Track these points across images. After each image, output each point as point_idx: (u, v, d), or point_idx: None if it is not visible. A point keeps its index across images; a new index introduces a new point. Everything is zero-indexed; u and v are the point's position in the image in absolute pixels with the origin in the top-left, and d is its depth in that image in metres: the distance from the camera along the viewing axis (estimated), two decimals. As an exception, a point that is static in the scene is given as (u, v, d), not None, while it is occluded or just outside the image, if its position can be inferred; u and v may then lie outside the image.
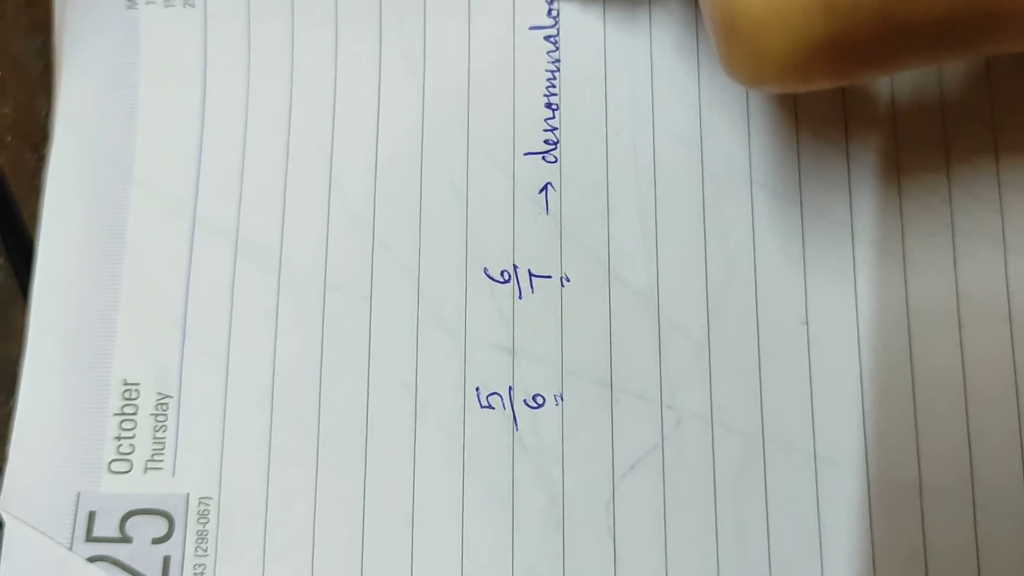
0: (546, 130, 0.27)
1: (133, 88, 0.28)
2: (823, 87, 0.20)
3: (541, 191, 0.27)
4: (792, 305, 0.26)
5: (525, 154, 0.27)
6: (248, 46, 0.28)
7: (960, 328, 0.26)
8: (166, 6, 0.28)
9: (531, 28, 0.28)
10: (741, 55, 0.19)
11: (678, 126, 0.27)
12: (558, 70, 0.27)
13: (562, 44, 0.28)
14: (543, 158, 0.27)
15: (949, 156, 0.26)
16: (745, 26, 0.19)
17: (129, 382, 0.27)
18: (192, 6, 0.28)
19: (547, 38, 0.28)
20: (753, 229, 0.26)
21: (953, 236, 0.26)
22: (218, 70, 0.28)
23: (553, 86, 0.27)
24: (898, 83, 0.27)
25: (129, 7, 0.28)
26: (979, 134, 0.26)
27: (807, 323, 0.26)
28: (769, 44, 0.19)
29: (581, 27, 0.28)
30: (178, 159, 0.28)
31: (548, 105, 0.27)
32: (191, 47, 0.28)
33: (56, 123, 0.28)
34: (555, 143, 0.27)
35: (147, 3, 0.28)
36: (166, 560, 0.26)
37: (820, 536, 0.25)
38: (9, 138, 0.29)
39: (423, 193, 0.27)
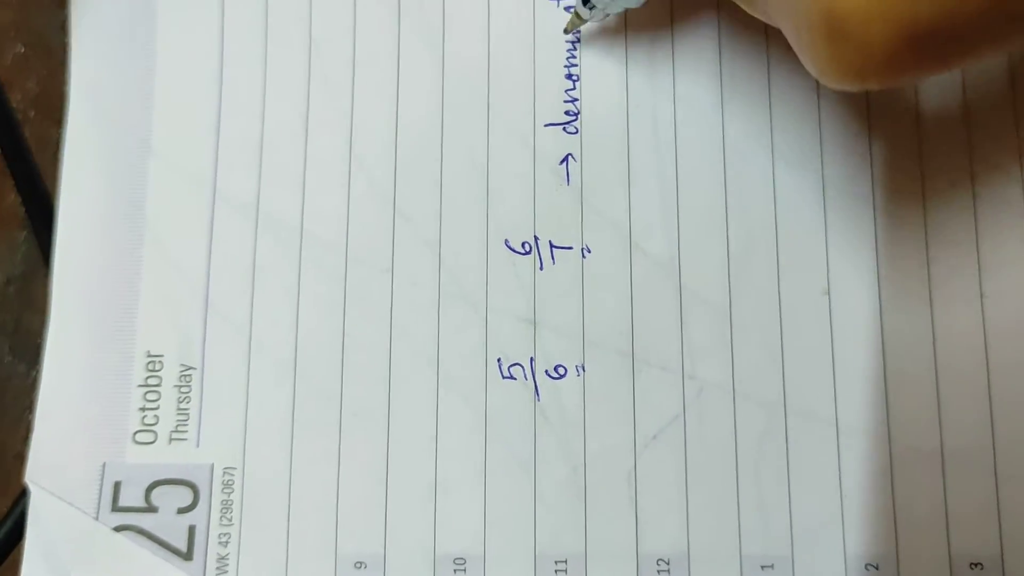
0: (567, 101, 0.27)
1: (150, 58, 0.28)
2: (930, 75, 0.20)
3: (562, 162, 0.27)
4: (814, 275, 0.26)
5: (546, 125, 0.27)
6: (266, 15, 0.28)
7: (981, 297, 0.26)
8: (183, -26, 0.29)
9: (551, -2, 0.28)
10: (845, 53, 0.18)
11: (699, 97, 0.27)
12: (578, 40, 0.28)
13: (582, 14, 0.28)
14: (564, 129, 0.27)
15: (971, 128, 0.26)
16: (849, 21, 0.18)
17: (153, 354, 0.27)
18: (209, -26, 0.28)
19: (567, 8, 0.28)
20: (775, 199, 0.26)
21: (975, 207, 0.26)
22: (235, 40, 0.28)
23: (573, 57, 0.28)
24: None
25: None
26: (1001, 107, 0.26)
27: (829, 293, 0.26)
28: (877, 37, 0.18)
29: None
30: (196, 131, 0.28)
31: (569, 76, 0.27)
32: (208, 17, 0.28)
33: (71, 93, 0.28)
34: (576, 114, 0.27)
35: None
36: (191, 529, 0.26)
37: (842, 504, 0.25)
38: (32, 113, 0.30)
39: (443, 165, 0.27)
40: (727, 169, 0.27)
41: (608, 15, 0.26)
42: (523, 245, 0.27)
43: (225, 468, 0.26)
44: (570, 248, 0.27)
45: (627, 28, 0.28)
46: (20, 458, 0.26)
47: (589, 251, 0.27)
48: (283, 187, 0.27)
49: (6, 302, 0.29)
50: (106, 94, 0.28)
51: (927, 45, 0.18)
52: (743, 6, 0.22)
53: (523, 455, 0.26)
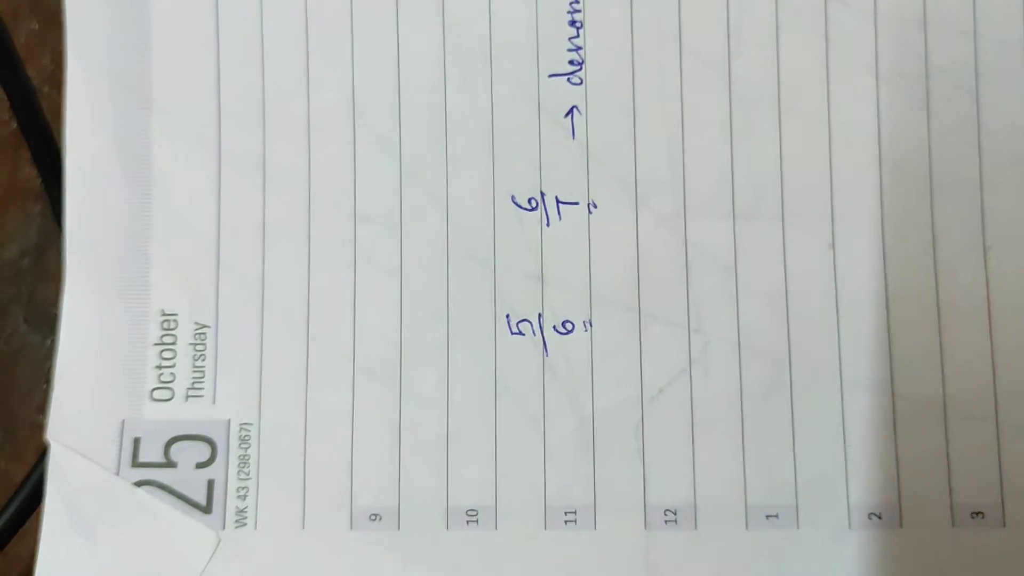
0: (571, 50, 0.27)
1: (144, 10, 0.28)
2: None
3: (567, 115, 0.27)
4: (819, 229, 0.26)
5: (550, 76, 0.27)
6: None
7: (985, 250, 0.26)
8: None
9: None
10: None
11: (705, 48, 0.27)
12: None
13: (587, -39, 0.27)
14: (568, 80, 0.27)
15: (979, 82, 0.26)
16: None
17: (167, 312, 0.27)
18: (204, -77, 0.28)
19: (571, -45, 0.27)
20: (781, 154, 0.26)
21: (980, 157, 0.26)
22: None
23: (577, 1, 0.27)
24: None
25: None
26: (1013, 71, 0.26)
27: (833, 247, 0.26)
28: None
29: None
30: (196, 87, 0.28)
31: (572, 23, 0.27)
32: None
33: (67, 52, 0.28)
34: (580, 63, 0.27)
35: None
36: (210, 483, 0.27)
37: (846, 455, 0.26)
38: (47, 88, 0.30)
39: (448, 120, 0.27)
40: (733, 122, 0.27)
41: None
42: (530, 201, 0.27)
43: (242, 424, 0.27)
44: (576, 204, 0.27)
45: (633, -25, 0.27)
46: (35, 427, 0.27)
47: (595, 207, 0.27)
48: (288, 144, 0.27)
49: (20, 274, 0.29)
50: (102, 52, 0.28)
51: None
52: None
53: (532, 409, 0.27)
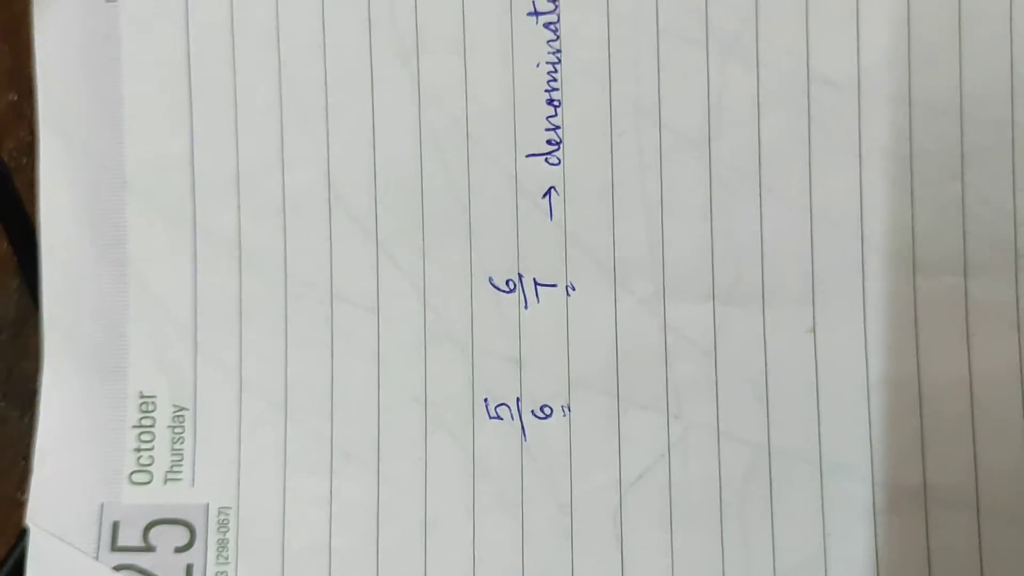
0: (548, 129, 0.27)
1: (116, 86, 0.28)
2: None
3: (544, 195, 0.27)
4: (800, 312, 0.26)
5: (527, 156, 0.27)
6: (232, 36, 0.27)
7: (968, 335, 0.26)
8: (146, -2, 0.28)
9: (529, 14, 0.27)
10: None
11: (685, 126, 0.26)
12: (559, 62, 0.27)
13: (563, 33, 0.27)
14: (546, 160, 0.27)
15: (964, 158, 0.26)
16: None
17: (145, 395, 0.27)
18: (174, -4, 0.28)
19: (547, 25, 0.27)
20: (761, 235, 0.26)
21: (964, 244, 0.26)
22: (203, 65, 0.27)
23: (555, 79, 0.27)
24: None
25: (108, 0, 0.28)
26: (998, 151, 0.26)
27: (814, 331, 0.26)
28: None
29: (584, 13, 0.27)
30: (171, 163, 0.28)
31: (550, 101, 0.27)
32: (174, 41, 0.28)
33: (40, 129, 0.28)
34: (558, 143, 0.27)
35: (128, -7, 0.28)
36: (189, 568, 0.27)
37: (824, 544, 0.26)
38: (25, 160, 0.29)
39: (424, 199, 0.27)
40: (713, 203, 0.26)
41: None
42: (507, 283, 0.27)
43: (220, 507, 0.27)
44: (555, 286, 0.27)
45: (611, 46, 0.27)
46: (15, 504, 0.27)
47: (574, 289, 0.27)
48: (263, 223, 0.27)
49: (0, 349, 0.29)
50: (76, 129, 0.28)
51: None
52: None
53: (510, 494, 0.27)
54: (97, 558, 0.27)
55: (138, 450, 0.27)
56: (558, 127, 0.27)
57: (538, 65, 0.27)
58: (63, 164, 0.28)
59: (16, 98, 0.30)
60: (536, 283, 0.27)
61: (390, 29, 0.27)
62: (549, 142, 0.27)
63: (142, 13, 0.28)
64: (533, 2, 0.27)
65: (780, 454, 0.26)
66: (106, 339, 0.27)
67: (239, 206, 0.27)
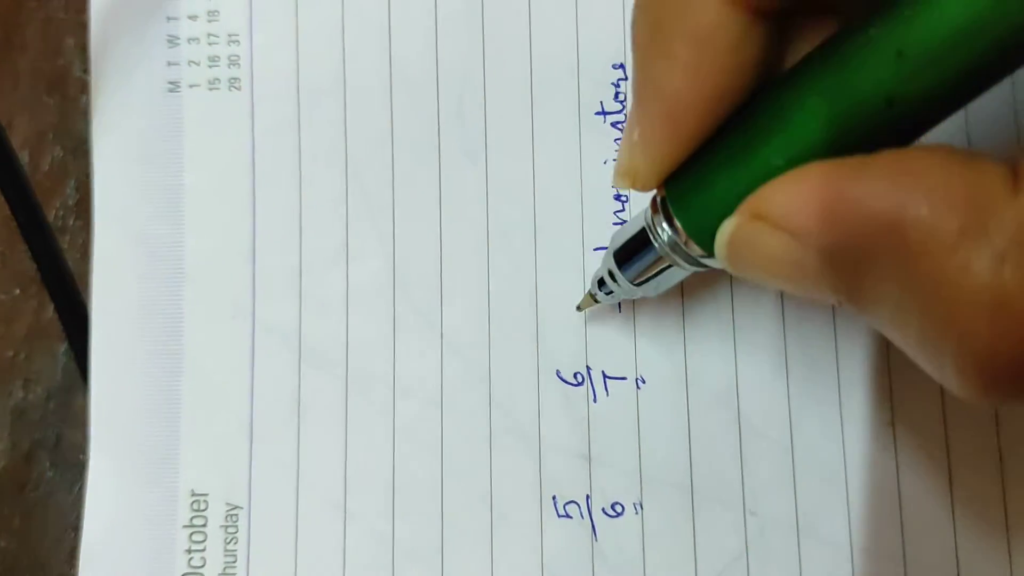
0: (616, 224, 0.27)
1: (177, 177, 0.28)
2: None
3: (612, 289, 0.27)
4: (878, 406, 0.26)
5: (595, 249, 0.27)
6: (299, 131, 0.28)
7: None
8: (211, 89, 0.28)
9: (597, 113, 0.27)
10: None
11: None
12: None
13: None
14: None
15: None
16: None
17: (197, 492, 0.27)
18: (239, 89, 0.28)
19: (614, 124, 0.27)
20: (834, 326, 0.26)
21: None
22: (268, 157, 0.28)
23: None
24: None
25: (171, 90, 0.28)
26: None
27: (893, 424, 0.26)
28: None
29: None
30: (231, 255, 0.28)
31: (617, 197, 0.27)
32: (238, 132, 0.28)
33: (96, 214, 0.28)
34: (626, 237, 0.27)
35: (190, 86, 0.28)
36: (242, 678, 0.26)
37: (912, 647, 0.25)
38: (72, 220, 0.29)
39: (491, 291, 0.27)
40: (785, 295, 0.26)
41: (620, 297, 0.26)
42: (575, 376, 0.27)
43: (275, 612, 0.26)
44: (624, 379, 0.26)
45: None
46: None
47: (644, 382, 0.26)
48: (325, 316, 0.27)
49: (47, 417, 0.29)
50: (133, 217, 0.28)
51: None
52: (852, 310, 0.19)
53: (582, 597, 0.26)
54: (144, 666, 0.26)
55: (189, 551, 0.26)
56: (625, 221, 0.27)
57: (605, 162, 0.27)
58: (119, 253, 0.28)
59: (62, 154, 0.30)
60: (605, 376, 0.26)
61: (458, 125, 0.27)
62: (616, 235, 0.27)
63: (205, 103, 0.28)
64: (601, 102, 0.27)
65: (862, 552, 0.25)
66: (157, 434, 0.27)
67: (301, 298, 0.27)
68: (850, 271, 0.17)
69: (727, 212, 0.19)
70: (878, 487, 0.25)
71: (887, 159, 0.17)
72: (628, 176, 0.21)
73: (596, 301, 0.26)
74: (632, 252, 0.23)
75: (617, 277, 0.24)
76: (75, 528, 0.27)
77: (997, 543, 0.25)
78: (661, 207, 0.21)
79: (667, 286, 0.24)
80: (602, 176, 0.27)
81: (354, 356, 0.27)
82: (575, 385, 0.27)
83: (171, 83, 0.28)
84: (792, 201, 0.18)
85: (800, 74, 0.18)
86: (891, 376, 0.26)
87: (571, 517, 0.26)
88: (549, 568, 0.26)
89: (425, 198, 0.27)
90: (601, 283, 0.25)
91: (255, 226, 0.28)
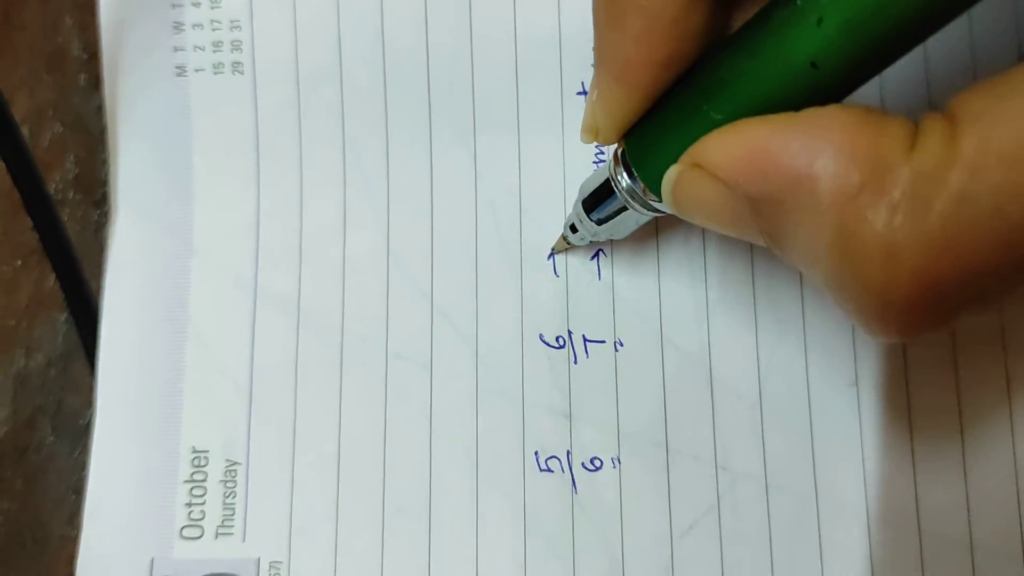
0: (596, 197, 0.29)
1: (187, 157, 0.30)
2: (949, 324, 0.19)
3: (593, 257, 0.29)
4: (842, 367, 0.28)
5: (577, 222, 0.29)
6: (299, 112, 0.30)
7: (1008, 380, 0.27)
8: (215, 73, 0.30)
9: (578, 93, 0.29)
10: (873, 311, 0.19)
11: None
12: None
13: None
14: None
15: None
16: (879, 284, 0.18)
17: (198, 449, 0.28)
18: (241, 73, 0.30)
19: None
20: (801, 290, 0.28)
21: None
22: (271, 137, 0.30)
23: (602, 152, 0.29)
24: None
25: (179, 75, 0.30)
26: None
27: (857, 384, 0.27)
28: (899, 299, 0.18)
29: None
30: (236, 229, 0.29)
31: (598, 172, 0.29)
32: (242, 114, 0.30)
33: (115, 194, 0.30)
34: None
35: (196, 70, 0.30)
36: (239, 624, 0.27)
37: (874, 592, 0.26)
38: (71, 193, 0.31)
39: (478, 262, 0.29)
40: (755, 264, 0.28)
41: (593, 241, 0.28)
42: (557, 339, 0.28)
43: (271, 562, 0.28)
44: (603, 342, 0.28)
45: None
46: (65, 539, 0.28)
47: (622, 344, 0.28)
48: (323, 285, 0.29)
49: (48, 384, 0.30)
50: (147, 196, 0.30)
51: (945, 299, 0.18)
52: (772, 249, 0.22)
53: (562, 547, 0.27)
54: (145, 613, 0.27)
55: (189, 504, 0.28)
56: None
57: (587, 150, 0.29)
58: (134, 230, 0.29)
59: (61, 130, 0.31)
60: (585, 339, 0.28)
61: (448, 106, 0.29)
62: (598, 211, 0.29)
63: (211, 87, 0.30)
64: (582, 83, 0.29)
65: (827, 504, 0.27)
66: (161, 394, 0.29)
67: (300, 269, 0.29)
68: (771, 218, 0.19)
69: (671, 157, 0.21)
70: (842, 441, 0.27)
71: (806, 117, 0.19)
72: (591, 132, 0.24)
73: (568, 244, 0.28)
74: (598, 199, 0.25)
75: (584, 221, 0.26)
76: (76, 491, 0.29)
77: (955, 487, 0.27)
78: (621, 159, 0.24)
79: (630, 230, 0.26)
80: (583, 153, 0.29)
81: (349, 322, 0.29)
82: (557, 348, 0.28)
83: (178, 67, 0.30)
84: (723, 152, 0.20)
85: (736, 39, 0.20)
86: (855, 337, 0.28)
87: (552, 471, 0.28)
88: (531, 519, 0.27)
89: (417, 174, 0.29)
90: (573, 229, 0.27)
91: (259, 202, 0.29)
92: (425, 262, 0.29)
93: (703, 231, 0.28)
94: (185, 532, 0.28)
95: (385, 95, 0.30)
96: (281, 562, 0.28)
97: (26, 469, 0.30)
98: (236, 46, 0.30)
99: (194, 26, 0.30)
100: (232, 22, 0.30)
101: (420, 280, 0.29)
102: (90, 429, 0.28)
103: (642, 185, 0.23)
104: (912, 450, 0.27)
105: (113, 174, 0.30)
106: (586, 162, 0.29)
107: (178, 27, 0.30)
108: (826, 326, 0.28)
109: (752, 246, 0.28)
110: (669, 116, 0.22)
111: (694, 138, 0.20)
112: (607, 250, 0.29)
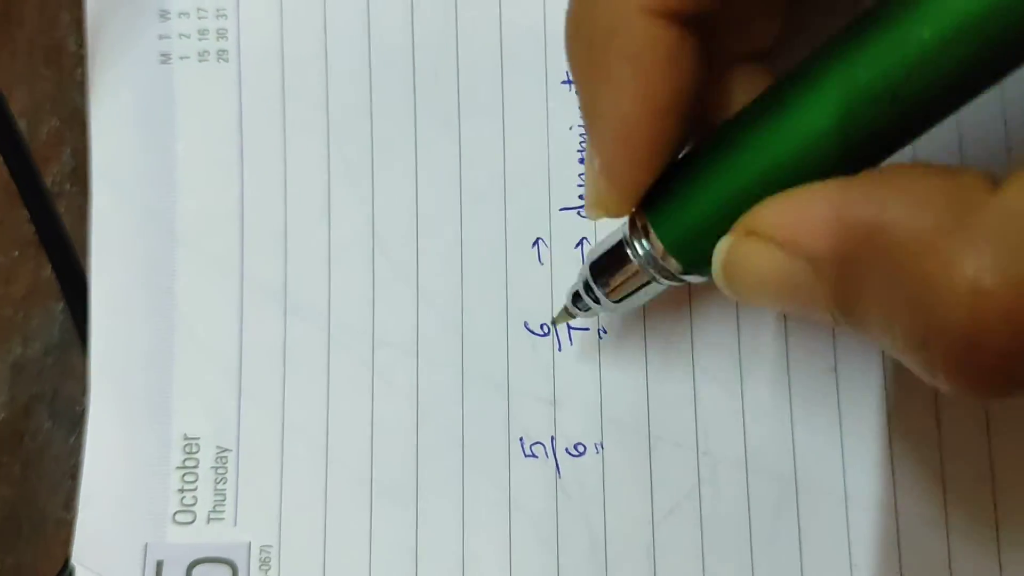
0: (580, 185, 0.29)
1: (170, 144, 0.30)
2: None
3: (577, 245, 0.29)
4: (820, 354, 0.28)
5: (561, 209, 0.29)
6: (283, 100, 0.30)
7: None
8: (200, 60, 0.30)
9: (563, 82, 0.30)
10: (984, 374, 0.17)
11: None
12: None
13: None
14: (578, 212, 0.29)
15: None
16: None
17: (189, 436, 0.29)
18: (227, 60, 0.30)
19: (578, 93, 0.30)
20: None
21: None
22: (255, 125, 0.30)
23: (582, 151, 0.29)
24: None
25: (163, 62, 0.30)
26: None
27: (836, 371, 0.28)
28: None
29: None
30: (220, 217, 0.30)
31: (582, 160, 0.29)
32: (227, 101, 0.30)
33: (93, 180, 0.30)
34: (589, 197, 0.29)
35: (181, 58, 0.30)
36: (231, 606, 0.28)
37: (852, 575, 0.27)
38: (68, 186, 0.31)
39: (463, 249, 0.29)
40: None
41: (596, 313, 0.27)
42: (542, 327, 0.29)
43: (262, 546, 0.28)
44: (587, 330, 0.29)
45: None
46: (61, 523, 0.29)
47: (605, 332, 0.29)
48: (309, 272, 0.29)
49: (44, 372, 0.31)
50: (128, 182, 0.30)
51: None
52: (843, 327, 0.20)
53: (546, 530, 0.28)
54: (140, 597, 0.28)
55: (182, 491, 0.29)
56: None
57: (571, 128, 0.29)
58: (115, 216, 0.30)
59: (58, 124, 0.32)
60: (569, 327, 0.29)
61: (433, 94, 0.30)
62: (581, 196, 0.29)
63: (195, 75, 0.30)
64: (566, 72, 0.29)
65: (807, 488, 0.28)
66: (152, 383, 0.29)
67: (286, 256, 0.29)
68: (841, 281, 0.18)
69: (707, 225, 0.20)
70: (821, 426, 0.28)
71: (869, 174, 0.18)
72: (599, 207, 0.22)
73: (571, 316, 0.27)
74: (608, 267, 0.24)
75: (593, 289, 0.25)
76: (72, 476, 0.30)
77: (931, 469, 0.27)
78: (640, 224, 0.22)
79: (641, 302, 0.25)
80: (567, 140, 0.29)
81: (336, 309, 0.29)
82: (541, 336, 0.29)
83: (163, 55, 0.30)
84: (782, 214, 0.18)
85: (789, 82, 0.19)
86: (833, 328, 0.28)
87: (537, 457, 0.28)
88: (516, 503, 0.28)
89: (402, 162, 0.30)
90: (577, 298, 0.26)
91: (243, 189, 0.30)
92: (410, 250, 0.29)
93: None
94: (178, 517, 0.29)
95: (370, 82, 0.30)
96: (271, 546, 0.28)
97: (23, 455, 0.31)
98: (221, 34, 0.30)
99: (180, 14, 0.30)
100: (218, 10, 0.30)
101: (405, 267, 0.29)
102: (86, 416, 0.29)
103: (663, 252, 0.22)
104: (889, 433, 0.28)
105: (95, 160, 0.30)
106: (571, 150, 0.29)
107: (164, 15, 0.30)
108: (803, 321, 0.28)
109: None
110: (699, 175, 0.21)
111: (732, 196, 0.19)
112: (591, 238, 0.29)
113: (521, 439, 0.28)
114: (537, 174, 0.29)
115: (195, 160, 0.30)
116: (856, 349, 0.28)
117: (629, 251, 0.23)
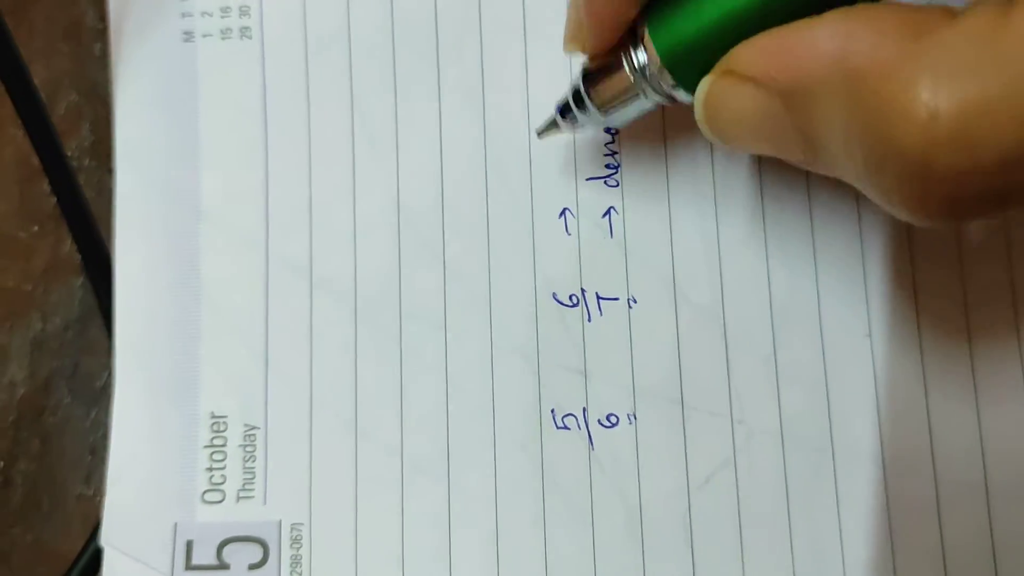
0: (607, 154, 0.29)
1: (193, 122, 0.30)
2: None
3: (604, 215, 0.29)
4: (855, 318, 0.28)
5: (587, 179, 0.29)
6: (307, 76, 0.30)
7: (1017, 330, 0.27)
8: (223, 38, 0.30)
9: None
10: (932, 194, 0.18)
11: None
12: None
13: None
14: (605, 183, 0.29)
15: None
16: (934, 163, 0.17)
17: (217, 415, 0.29)
18: (249, 37, 0.30)
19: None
20: (813, 244, 0.28)
21: (1009, 255, 0.28)
22: (278, 101, 0.30)
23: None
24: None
25: (186, 40, 0.30)
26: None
27: (871, 335, 0.28)
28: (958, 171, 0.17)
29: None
30: (245, 193, 0.30)
31: (608, 129, 0.29)
32: (250, 78, 0.30)
33: (117, 158, 0.30)
34: (616, 167, 0.29)
35: (204, 36, 0.30)
36: (263, 585, 0.28)
37: (892, 541, 0.27)
38: (87, 160, 0.31)
39: (489, 221, 0.29)
40: (766, 217, 0.28)
41: (582, 127, 0.27)
42: (571, 298, 0.29)
43: (293, 524, 0.28)
44: (616, 299, 0.28)
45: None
46: (82, 498, 0.29)
47: (635, 302, 0.28)
48: (335, 247, 0.29)
49: (64, 347, 0.31)
50: (152, 160, 0.30)
51: (991, 174, 0.17)
52: (804, 166, 0.22)
53: (580, 502, 0.28)
54: (171, 576, 0.28)
55: (210, 469, 0.29)
56: (616, 152, 0.29)
57: (594, 97, 0.29)
58: (138, 194, 0.30)
59: (76, 98, 0.32)
60: (599, 297, 0.28)
61: (456, 66, 0.29)
62: (608, 166, 0.29)
63: (218, 52, 0.30)
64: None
65: (843, 455, 0.27)
66: (178, 361, 0.29)
67: (311, 232, 0.29)
68: (807, 112, 0.19)
69: (701, 36, 0.21)
70: (856, 392, 0.28)
71: (837, 12, 0.19)
72: (576, 41, 0.24)
73: (556, 126, 0.27)
74: (601, 76, 0.25)
75: (584, 97, 0.25)
76: (91, 451, 0.29)
77: (970, 433, 0.27)
78: (639, 34, 0.23)
79: (628, 117, 0.26)
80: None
81: (362, 284, 0.29)
82: (571, 306, 0.29)
83: (186, 33, 0.30)
84: (756, 52, 0.20)
85: None
86: (867, 288, 0.28)
87: (569, 428, 0.28)
88: (549, 476, 0.28)
89: (426, 136, 0.29)
90: (564, 110, 0.27)
91: (268, 165, 0.30)
92: (436, 224, 0.29)
93: (714, 183, 0.28)
94: (207, 496, 0.28)
95: (394, 56, 0.30)
96: (302, 524, 0.28)
97: (43, 430, 0.31)
98: (244, 11, 0.30)
99: (201, -9, 0.30)
100: (239, -13, 0.30)
101: (432, 241, 0.29)
102: (106, 391, 0.29)
103: (658, 64, 0.23)
104: (927, 398, 0.27)
105: (120, 140, 0.30)
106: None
107: (185, -7, 0.30)
108: (839, 278, 0.28)
109: (763, 194, 0.28)
110: None
111: (736, 16, 0.20)
112: (618, 207, 0.29)
113: (553, 411, 0.28)
114: (563, 145, 0.29)
115: (219, 137, 0.30)
116: (892, 314, 0.28)
117: (624, 59, 0.24)
